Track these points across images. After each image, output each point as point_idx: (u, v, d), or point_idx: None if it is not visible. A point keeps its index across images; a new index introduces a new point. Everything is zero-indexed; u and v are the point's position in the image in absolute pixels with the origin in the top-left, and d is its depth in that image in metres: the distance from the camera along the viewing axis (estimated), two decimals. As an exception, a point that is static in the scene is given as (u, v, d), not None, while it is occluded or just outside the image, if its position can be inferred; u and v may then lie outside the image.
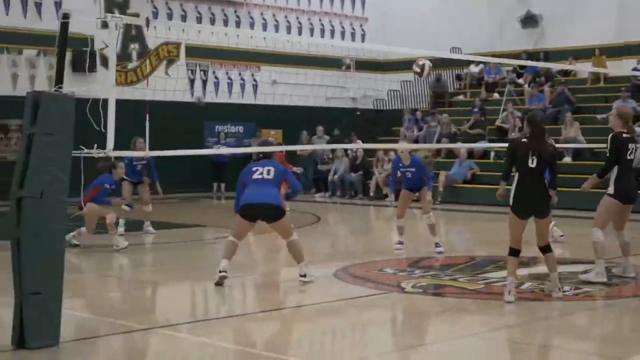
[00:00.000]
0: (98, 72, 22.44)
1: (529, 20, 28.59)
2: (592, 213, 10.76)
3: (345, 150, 25.99)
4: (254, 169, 10.37)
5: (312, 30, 30.14)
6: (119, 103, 7.99)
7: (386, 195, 24.00)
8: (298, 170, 20.85)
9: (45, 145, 7.28)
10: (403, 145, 14.79)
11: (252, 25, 28.39)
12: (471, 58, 24.99)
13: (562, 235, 14.37)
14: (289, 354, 7.51)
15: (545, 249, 9.50)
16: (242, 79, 28.31)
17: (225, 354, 7.47)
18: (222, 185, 26.46)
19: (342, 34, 31.13)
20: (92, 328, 8.29)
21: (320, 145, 25.64)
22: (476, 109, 25.55)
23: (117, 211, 15.03)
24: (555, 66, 25.13)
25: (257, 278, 11.54)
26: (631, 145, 10.43)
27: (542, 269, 10.87)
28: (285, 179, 10.43)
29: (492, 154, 23.30)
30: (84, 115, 7.80)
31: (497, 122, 24.45)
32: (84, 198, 13.37)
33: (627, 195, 10.46)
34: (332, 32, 30.84)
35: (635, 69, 24.07)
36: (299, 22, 29.95)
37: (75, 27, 7.87)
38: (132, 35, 24.69)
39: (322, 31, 30.55)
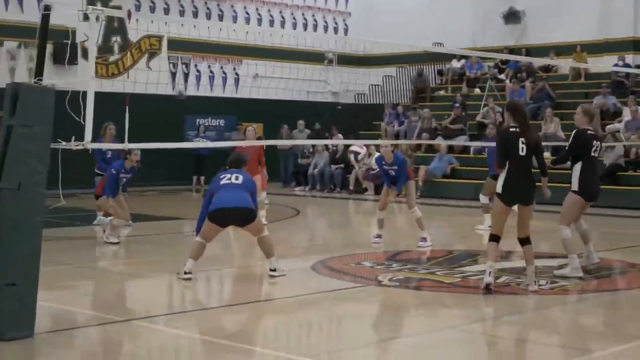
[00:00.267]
0: (79, 65, 22.34)
1: (512, 17, 28.68)
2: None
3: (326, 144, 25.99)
4: (222, 176, 10.37)
5: (294, 25, 30.12)
6: (100, 96, 8.00)
7: (365, 189, 24.05)
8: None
9: (24, 137, 7.26)
10: (384, 142, 14.77)
11: (235, 19, 28.37)
12: (454, 52, 25.01)
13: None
14: (265, 346, 7.54)
15: (525, 240, 9.58)
16: (224, 73, 28.29)
17: (201, 346, 7.49)
18: (202, 178, 26.38)
19: (325, 28, 31.13)
20: (69, 320, 8.29)
21: (302, 141, 25.69)
22: (457, 104, 25.62)
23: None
24: (536, 61, 25.26)
25: (234, 271, 11.55)
26: (595, 143, 10.51)
27: (518, 263, 10.99)
28: (252, 192, 10.38)
29: (472, 149, 23.37)
30: (64, 107, 7.79)
31: (478, 117, 24.53)
32: (98, 187, 13.20)
33: (591, 193, 10.58)
34: (315, 27, 30.85)
35: (616, 65, 24.17)
36: (282, 17, 29.92)
37: (57, 19, 7.85)
38: (114, 27, 24.60)
39: (305, 25, 30.56)
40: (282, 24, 29.67)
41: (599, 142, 10.59)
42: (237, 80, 28.43)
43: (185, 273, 10.08)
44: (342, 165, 25.31)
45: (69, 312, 8.63)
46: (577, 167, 10.45)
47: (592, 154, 10.49)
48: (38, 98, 7.38)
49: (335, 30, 31.33)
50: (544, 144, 20.67)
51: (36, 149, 7.30)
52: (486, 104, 24.80)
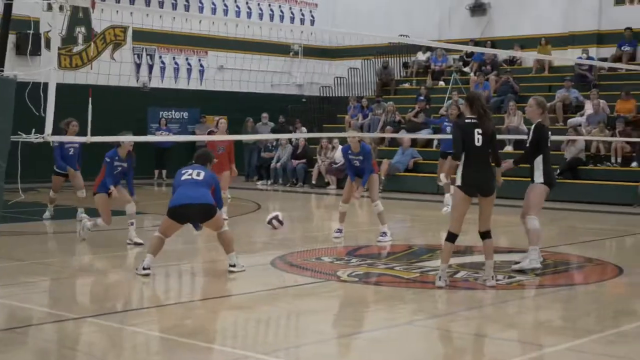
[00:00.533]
0: (42, 56, 22.16)
1: (478, 9, 28.81)
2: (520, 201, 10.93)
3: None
4: (183, 171, 10.34)
5: (261, 16, 30.01)
6: (62, 87, 7.90)
7: (328, 183, 24.06)
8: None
9: (-18, 129, 7.16)
10: (351, 134, 14.73)
11: (201, 10, 28.21)
12: (418, 42, 25.05)
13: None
14: (224, 343, 7.51)
15: (485, 234, 9.62)
16: (189, 64, 28.12)
17: (158, 344, 7.44)
18: (164, 172, 26.24)
19: (292, 19, 31.04)
20: (23, 317, 8.21)
21: (269, 135, 25.54)
22: (421, 97, 25.69)
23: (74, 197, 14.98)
24: (501, 53, 25.34)
25: (194, 266, 11.49)
26: (549, 134, 10.67)
27: (476, 258, 11.05)
28: (213, 187, 10.34)
29: (435, 142, 23.44)
30: (24, 99, 7.70)
31: (442, 111, 24.60)
32: (94, 184, 12.82)
33: (553, 184, 10.70)
34: (282, 18, 30.75)
35: (580, 59, 24.33)
36: (249, 7, 29.80)
37: (20, 9, 7.75)
38: (79, 17, 24.38)
39: (272, 17, 30.44)
40: (249, 14, 29.55)
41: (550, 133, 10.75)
42: (201, 72, 28.29)
43: (144, 269, 10.02)
44: (304, 160, 25.29)
45: (24, 309, 8.54)
46: (539, 159, 10.53)
47: (549, 145, 10.61)
48: (-1, 89, 7.26)
49: (302, 21, 31.26)
50: (507, 136, 21.09)
51: (-5, 141, 7.20)
52: (450, 96, 24.87)
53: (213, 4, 28.76)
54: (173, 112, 27.33)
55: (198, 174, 10.23)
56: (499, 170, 9.80)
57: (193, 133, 25.61)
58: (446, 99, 25.17)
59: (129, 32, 25.53)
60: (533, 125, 10.61)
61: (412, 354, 7.20)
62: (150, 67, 27.11)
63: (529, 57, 26.60)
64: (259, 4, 30.08)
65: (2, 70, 7.49)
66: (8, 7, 7.56)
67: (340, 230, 13.32)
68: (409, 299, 9.33)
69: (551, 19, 26.90)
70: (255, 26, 28.10)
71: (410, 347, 7.39)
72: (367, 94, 29.23)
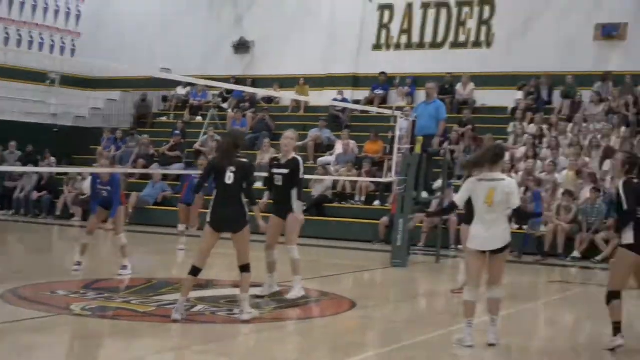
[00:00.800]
0: None
1: (242, 47, 29.02)
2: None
3: (36, 166, 24.86)
4: None
5: (19, 42, 28.87)
6: None
7: (73, 215, 23.37)
8: None
9: None
10: (102, 170, 14.21)
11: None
12: (178, 79, 24.91)
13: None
14: None
15: (244, 268, 9.60)
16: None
17: None
18: None
19: (52, 47, 30.06)
20: None
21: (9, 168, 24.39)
22: (177, 131, 25.55)
23: None
24: (259, 92, 25.64)
25: None
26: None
27: (218, 292, 11.03)
28: None
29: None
30: None
31: (196, 145, 24.55)
32: None
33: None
34: (41, 45, 29.73)
35: (335, 99, 25.02)
36: (7, 32, 28.60)
37: None
38: None
39: (31, 43, 29.38)
40: (6, 40, 28.36)
41: None
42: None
43: None
44: (47, 192, 24.49)
45: None
46: (294, 192, 11.01)
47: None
48: None
49: (62, 50, 30.34)
50: (258, 174, 21.27)
51: None
52: (206, 132, 24.89)
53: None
54: None
55: None
56: (257, 209, 9.93)
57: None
58: (202, 134, 25.12)
59: None
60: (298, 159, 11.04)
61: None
62: None
63: (285, 97, 27.00)
64: (18, 30, 28.93)
65: None
66: None
67: (79, 263, 12.86)
68: (144, 333, 9.11)
69: (311, 60, 27.48)
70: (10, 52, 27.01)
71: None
72: (125, 126, 28.66)
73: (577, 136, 20.97)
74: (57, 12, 30.32)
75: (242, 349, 8.79)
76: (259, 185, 21.47)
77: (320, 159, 22.56)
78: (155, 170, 23.17)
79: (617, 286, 8.95)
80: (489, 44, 25.59)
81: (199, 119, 27.50)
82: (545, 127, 21.96)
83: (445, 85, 24.69)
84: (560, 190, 18.69)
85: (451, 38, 26.13)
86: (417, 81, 25.20)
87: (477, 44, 25.74)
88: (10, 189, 25.15)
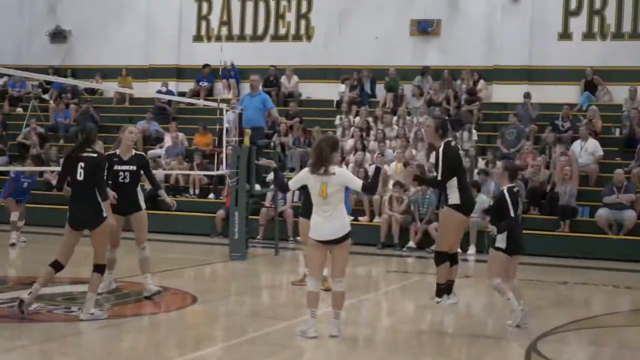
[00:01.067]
0: None
1: (58, 36, 28.22)
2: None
3: None
4: None
5: None
6: None
7: None
8: None
9: None
10: None
11: None
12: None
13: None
14: None
15: (97, 267, 9.51)
16: None
17: None
18: None
19: None
20: None
21: None
22: (-2, 123, 24.64)
23: None
24: (80, 84, 25.02)
25: None
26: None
27: (54, 289, 10.80)
28: None
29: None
30: None
31: (19, 138, 23.75)
32: None
33: None
34: None
35: (159, 91, 24.75)
36: None
37: None
38: None
39: None
40: None
41: None
42: None
43: None
44: None
45: None
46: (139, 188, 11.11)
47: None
48: None
49: None
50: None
51: None
52: (28, 124, 24.08)
53: None
54: None
55: None
56: (107, 205, 9.72)
57: None
58: (24, 126, 24.28)
59: None
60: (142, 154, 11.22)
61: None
62: None
63: (110, 89, 26.48)
64: None
65: None
66: None
67: None
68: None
69: (132, 50, 27.11)
70: None
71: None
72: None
73: (403, 128, 21.59)
74: None
75: (85, 347, 8.65)
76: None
77: (150, 151, 22.26)
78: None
79: (445, 246, 9.36)
80: (309, 37, 25.99)
81: (19, 110, 26.56)
82: (371, 119, 22.49)
83: (270, 77, 24.86)
84: (391, 182, 19.20)
85: (271, 31, 26.35)
86: (242, 73, 25.31)
87: (297, 37, 26.10)
88: None
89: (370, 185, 9.27)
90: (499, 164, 11.05)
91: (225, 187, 19.48)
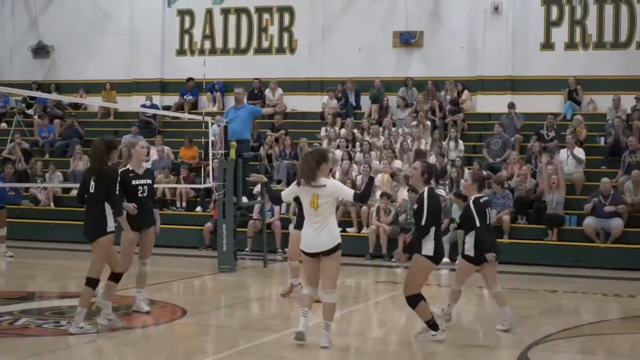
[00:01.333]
0: None
1: (41, 51, 28.14)
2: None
3: None
4: None
5: None
6: None
7: None
8: None
9: None
10: None
11: None
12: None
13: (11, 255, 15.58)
14: None
15: (89, 281, 9.45)
16: None
17: None
18: None
19: None
20: None
21: None
22: (-21, 140, 24.50)
23: None
24: (64, 99, 24.95)
25: None
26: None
27: (42, 304, 10.77)
28: None
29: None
30: None
31: (4, 153, 23.64)
32: None
33: None
34: None
35: (143, 105, 24.70)
36: None
37: None
38: None
39: None
40: None
41: None
42: None
43: None
44: None
45: None
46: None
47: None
48: None
49: None
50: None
51: None
52: (13, 139, 23.98)
53: None
54: None
55: None
56: (123, 220, 9.78)
57: None
58: (9, 141, 24.18)
59: None
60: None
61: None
62: None
63: (95, 104, 26.39)
64: None
65: None
66: None
67: None
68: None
69: (116, 65, 27.05)
70: None
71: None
72: None
73: (389, 139, 21.61)
74: None
75: (76, 360, 8.63)
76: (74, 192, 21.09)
77: (136, 165, 22.11)
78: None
79: (417, 290, 9.44)
80: (292, 50, 26.01)
81: (4, 125, 26.45)
82: (356, 131, 22.50)
83: (255, 90, 24.86)
84: (378, 192, 19.22)
85: (255, 44, 26.37)
86: (226, 86, 25.32)
87: (281, 50, 26.11)
88: None
89: (362, 194, 9.31)
90: (466, 175, 11.14)
91: (212, 199, 19.44)
